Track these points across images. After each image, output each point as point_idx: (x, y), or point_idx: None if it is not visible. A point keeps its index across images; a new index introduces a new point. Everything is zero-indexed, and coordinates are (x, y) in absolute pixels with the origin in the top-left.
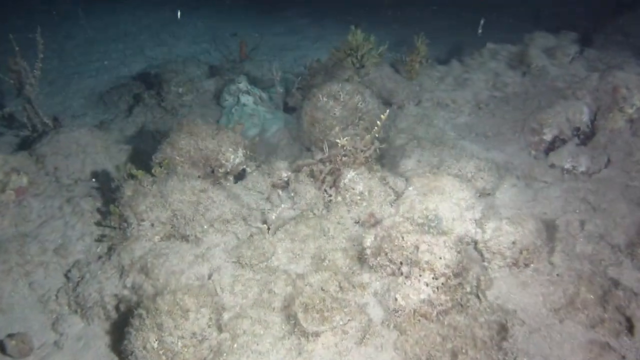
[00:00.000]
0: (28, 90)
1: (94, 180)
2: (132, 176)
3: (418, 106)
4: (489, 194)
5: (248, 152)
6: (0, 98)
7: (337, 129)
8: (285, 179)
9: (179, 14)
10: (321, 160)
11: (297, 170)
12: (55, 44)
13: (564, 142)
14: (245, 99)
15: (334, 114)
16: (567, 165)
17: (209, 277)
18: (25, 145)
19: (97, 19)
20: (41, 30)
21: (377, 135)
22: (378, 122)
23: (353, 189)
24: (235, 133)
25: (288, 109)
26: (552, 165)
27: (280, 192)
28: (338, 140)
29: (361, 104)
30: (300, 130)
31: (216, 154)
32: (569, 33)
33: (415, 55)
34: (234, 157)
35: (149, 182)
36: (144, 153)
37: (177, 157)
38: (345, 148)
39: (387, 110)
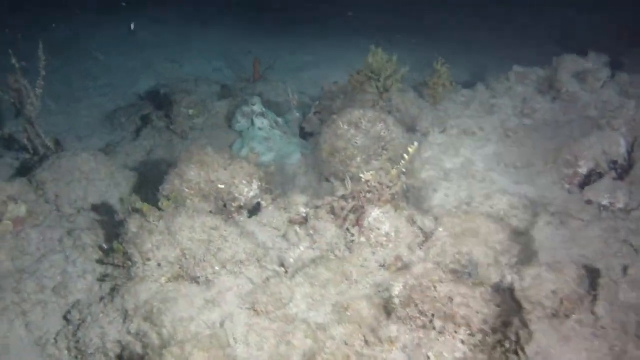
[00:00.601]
0: (29, 110)
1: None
2: (137, 210)
3: (443, 134)
4: (522, 234)
5: (263, 184)
6: (2, 117)
7: (358, 159)
8: (304, 214)
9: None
10: (343, 197)
11: (316, 207)
12: (60, 58)
13: (600, 175)
14: (260, 121)
15: (355, 142)
16: (605, 202)
17: (221, 324)
18: (25, 169)
19: (104, 32)
20: (43, 45)
21: (403, 170)
22: (405, 155)
23: (378, 228)
24: (250, 163)
25: (304, 134)
26: (589, 201)
27: (297, 228)
28: (362, 175)
29: (384, 132)
30: (319, 158)
31: (229, 186)
32: (600, 55)
33: (437, 78)
34: (248, 190)
35: (155, 217)
36: (151, 181)
37: (186, 190)
38: (369, 183)
39: (416, 143)
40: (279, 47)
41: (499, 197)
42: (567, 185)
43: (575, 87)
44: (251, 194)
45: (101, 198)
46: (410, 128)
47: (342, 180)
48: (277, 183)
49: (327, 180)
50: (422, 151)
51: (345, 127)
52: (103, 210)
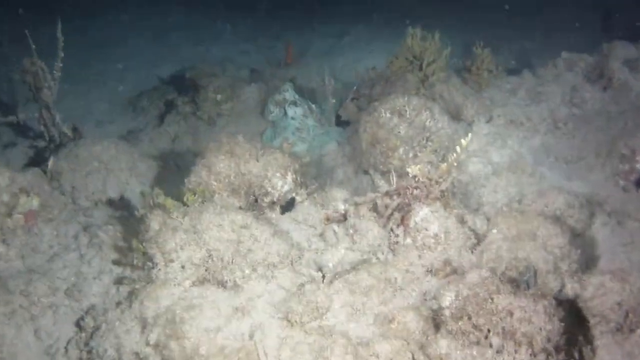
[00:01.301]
0: (45, 95)
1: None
2: (159, 205)
3: (489, 123)
4: (579, 235)
5: (298, 178)
6: (13, 102)
7: (401, 150)
8: (343, 212)
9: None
10: (387, 193)
11: (357, 204)
12: (79, 40)
13: None
14: (293, 111)
15: (398, 132)
16: None
17: (250, 336)
18: (40, 158)
19: (128, 14)
20: (62, 26)
21: (455, 164)
22: (457, 148)
23: (426, 229)
24: (284, 154)
25: (340, 123)
26: None
27: (336, 227)
28: (409, 170)
29: (429, 122)
30: (357, 149)
31: (261, 179)
32: None
33: (480, 63)
34: (282, 184)
35: (180, 213)
36: (176, 172)
37: (215, 183)
38: (417, 179)
39: (470, 135)
40: (310, 31)
41: (554, 195)
42: (622, 182)
43: (627, 76)
44: (285, 188)
45: (122, 190)
46: (455, 117)
47: (383, 173)
48: (312, 176)
49: (366, 172)
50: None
51: (388, 115)
52: (123, 204)
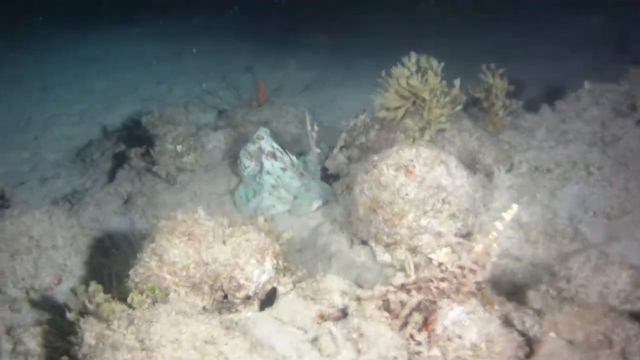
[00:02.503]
0: None
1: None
2: (97, 306)
3: (511, 173)
4: None
5: (280, 262)
6: None
7: (410, 216)
8: (341, 307)
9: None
10: (403, 287)
11: (360, 299)
12: (33, 77)
13: None
14: (270, 164)
15: (406, 194)
16: None
17: None
18: None
19: (86, 49)
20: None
21: (494, 246)
22: (498, 226)
23: (459, 337)
24: (260, 232)
25: (327, 177)
26: None
27: (333, 328)
28: (433, 256)
29: (445, 180)
30: (353, 214)
31: (231, 269)
32: None
33: (494, 96)
34: (259, 273)
35: (123, 321)
36: (127, 248)
37: (168, 277)
38: (444, 267)
39: (515, 206)
40: (284, 64)
41: (615, 271)
42: None
43: None
44: (264, 277)
45: (58, 274)
46: (469, 166)
47: (387, 245)
48: (297, 252)
49: (365, 243)
50: (488, 198)
51: (392, 172)
52: (60, 293)
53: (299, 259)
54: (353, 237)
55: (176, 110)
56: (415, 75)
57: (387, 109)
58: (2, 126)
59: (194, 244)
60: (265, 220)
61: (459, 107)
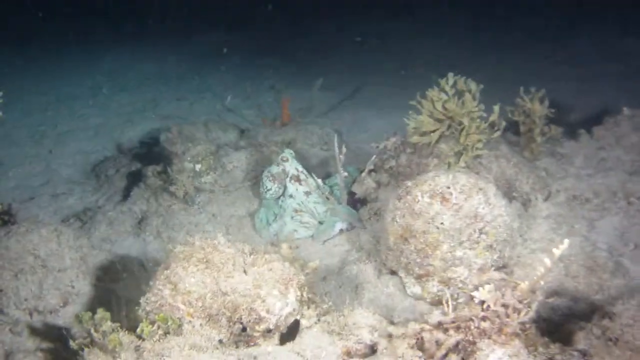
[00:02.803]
0: None
1: None
2: (104, 336)
3: (549, 202)
4: None
5: (304, 294)
6: None
7: (444, 247)
8: (369, 344)
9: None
10: (440, 325)
11: (392, 336)
12: (40, 92)
13: None
14: (294, 188)
15: (441, 223)
16: None
17: None
18: None
19: (106, 63)
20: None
21: (541, 283)
22: (546, 262)
23: None
24: (284, 261)
25: (355, 202)
26: None
27: None
28: (476, 294)
29: (483, 209)
30: (382, 242)
31: (251, 300)
32: None
33: (531, 121)
34: (282, 306)
35: (130, 354)
36: (139, 272)
37: (183, 307)
38: (486, 306)
39: (566, 242)
40: (308, 83)
41: None
42: None
43: None
44: (286, 310)
45: (64, 297)
46: (505, 194)
47: (419, 277)
48: (321, 281)
49: (394, 273)
50: (525, 228)
51: (427, 200)
52: (66, 316)
53: (323, 287)
54: (381, 266)
55: (196, 127)
56: (453, 98)
57: (421, 133)
58: (16, 137)
59: (212, 273)
60: (290, 247)
61: (498, 134)
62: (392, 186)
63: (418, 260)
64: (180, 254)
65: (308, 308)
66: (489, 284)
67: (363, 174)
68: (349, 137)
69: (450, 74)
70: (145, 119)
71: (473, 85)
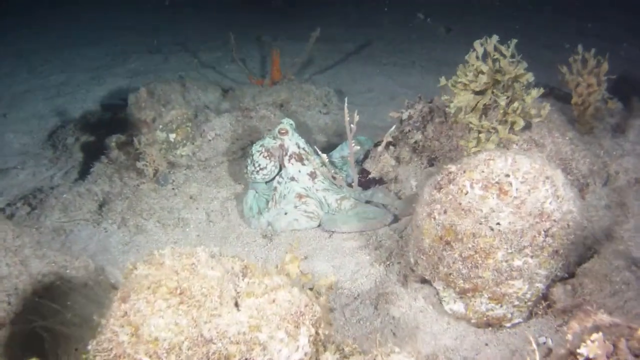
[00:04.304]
0: None
1: None
2: None
3: (608, 186)
4: None
5: (320, 332)
6: None
7: (499, 254)
8: None
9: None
10: None
11: None
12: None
13: None
14: (295, 169)
15: (497, 224)
16: None
17: None
18: None
19: (72, 14)
20: None
21: None
22: None
23: None
24: (292, 287)
25: (367, 183)
26: None
27: None
28: (583, 350)
29: (550, 204)
30: (413, 243)
31: (247, 348)
32: None
33: (590, 88)
34: (289, 352)
35: None
36: (96, 287)
37: (147, 359)
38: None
39: None
40: (304, 34)
41: None
42: None
43: None
44: (296, 356)
45: None
46: None
47: (462, 291)
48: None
49: (425, 282)
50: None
51: (478, 192)
52: None
53: (334, 300)
54: (408, 271)
55: (171, 86)
56: (504, 57)
57: (461, 100)
58: None
59: (190, 310)
60: (298, 262)
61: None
62: (415, 163)
63: (464, 270)
64: (144, 279)
65: (325, 350)
66: (596, 331)
67: (379, 148)
68: (354, 99)
69: (495, 36)
70: (114, 75)
71: (512, 43)
